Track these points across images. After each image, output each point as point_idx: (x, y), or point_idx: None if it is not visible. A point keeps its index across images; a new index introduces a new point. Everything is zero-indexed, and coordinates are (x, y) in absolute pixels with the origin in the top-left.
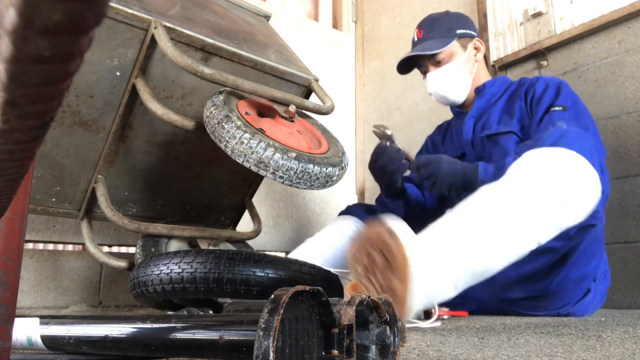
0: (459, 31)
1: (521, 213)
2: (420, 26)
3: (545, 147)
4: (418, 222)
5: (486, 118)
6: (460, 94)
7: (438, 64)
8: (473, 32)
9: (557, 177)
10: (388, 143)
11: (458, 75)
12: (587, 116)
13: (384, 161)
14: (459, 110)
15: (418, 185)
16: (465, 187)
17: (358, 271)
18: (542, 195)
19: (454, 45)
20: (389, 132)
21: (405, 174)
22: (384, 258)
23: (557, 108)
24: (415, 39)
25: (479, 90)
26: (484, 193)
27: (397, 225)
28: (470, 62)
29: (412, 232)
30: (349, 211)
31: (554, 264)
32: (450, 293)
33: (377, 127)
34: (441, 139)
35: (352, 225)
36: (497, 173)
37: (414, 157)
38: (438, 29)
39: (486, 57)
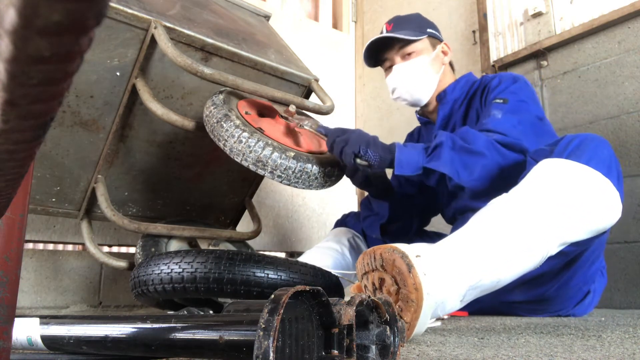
0: (429, 30)
1: (536, 231)
2: (390, 21)
3: (563, 158)
4: (403, 224)
5: (452, 126)
6: (426, 92)
7: (407, 56)
8: (441, 36)
9: (577, 197)
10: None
11: (426, 71)
12: (529, 111)
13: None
14: (425, 119)
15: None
16: (383, 152)
17: (367, 287)
18: (559, 214)
19: (425, 41)
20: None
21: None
22: (396, 284)
23: (498, 100)
24: (384, 31)
25: (440, 98)
26: (497, 206)
27: (412, 252)
28: (438, 62)
29: (426, 262)
30: (344, 222)
31: (560, 268)
32: (456, 307)
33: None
34: None
35: (349, 237)
36: (430, 151)
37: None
38: (408, 24)
39: (452, 64)
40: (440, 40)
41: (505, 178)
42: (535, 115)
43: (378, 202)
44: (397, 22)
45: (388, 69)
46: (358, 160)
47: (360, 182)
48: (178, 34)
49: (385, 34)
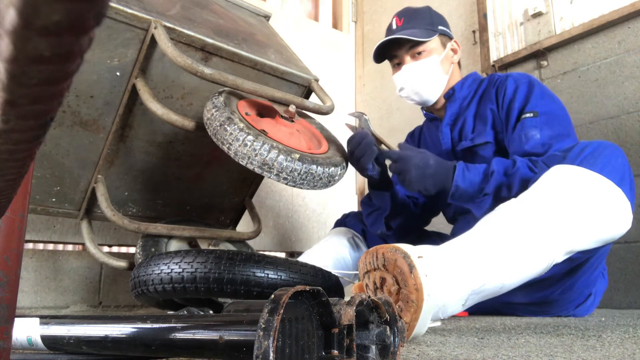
0: (440, 27)
1: (542, 238)
2: (400, 15)
3: (576, 164)
4: (406, 218)
5: (461, 123)
6: (434, 92)
7: (417, 55)
8: (451, 34)
9: (587, 206)
10: (361, 129)
11: (436, 72)
12: (562, 119)
13: (352, 146)
14: (433, 116)
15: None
16: (437, 188)
17: (368, 286)
18: (568, 222)
19: (436, 40)
20: (366, 116)
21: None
22: (397, 284)
23: (528, 115)
24: (394, 26)
25: (448, 96)
26: (504, 211)
27: (414, 252)
28: (447, 62)
29: (428, 263)
30: (344, 222)
31: (564, 273)
32: (457, 310)
33: (352, 114)
34: (416, 146)
35: (349, 237)
36: (485, 179)
37: (393, 146)
38: (420, 20)
39: (459, 62)
40: (451, 38)
41: None
42: (563, 118)
43: (377, 194)
44: (407, 17)
45: (397, 66)
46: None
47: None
48: (178, 34)
49: (395, 35)
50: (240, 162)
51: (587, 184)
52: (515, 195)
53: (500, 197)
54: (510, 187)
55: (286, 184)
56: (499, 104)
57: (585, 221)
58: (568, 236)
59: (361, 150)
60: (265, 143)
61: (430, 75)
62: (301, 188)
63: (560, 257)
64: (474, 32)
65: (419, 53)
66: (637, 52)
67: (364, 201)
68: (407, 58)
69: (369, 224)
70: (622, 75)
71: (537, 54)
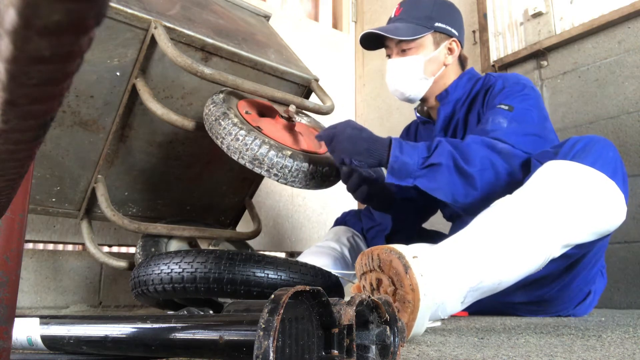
0: (437, 24)
1: (538, 233)
2: (402, 4)
3: (568, 159)
4: (407, 231)
5: (454, 126)
6: (415, 92)
7: (402, 52)
8: (453, 31)
9: (581, 198)
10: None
11: (417, 73)
12: (534, 121)
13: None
14: (424, 119)
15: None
16: (372, 158)
17: (365, 287)
18: (563, 216)
19: (426, 38)
20: (292, 108)
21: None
22: (393, 285)
23: (503, 106)
24: (392, 16)
25: (441, 97)
26: (499, 207)
27: (409, 253)
28: (436, 63)
29: (423, 263)
30: (344, 220)
31: (562, 270)
32: (457, 309)
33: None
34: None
35: (349, 237)
36: (428, 151)
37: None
38: (417, 13)
39: (462, 58)
40: (450, 36)
41: (507, 185)
42: (539, 124)
43: (379, 213)
44: (407, 8)
45: (388, 57)
46: (344, 168)
47: (363, 197)
48: (178, 34)
49: (377, 29)
50: (232, 157)
51: (581, 177)
52: (473, 166)
53: (458, 168)
54: (466, 159)
55: (277, 180)
56: (484, 103)
57: (580, 214)
58: (564, 229)
59: (352, 189)
60: (256, 138)
61: (410, 74)
62: (293, 186)
63: (557, 252)
64: (474, 32)
65: (406, 50)
66: (637, 52)
67: (365, 214)
68: (394, 52)
69: (369, 238)
70: (622, 75)
71: (537, 54)
